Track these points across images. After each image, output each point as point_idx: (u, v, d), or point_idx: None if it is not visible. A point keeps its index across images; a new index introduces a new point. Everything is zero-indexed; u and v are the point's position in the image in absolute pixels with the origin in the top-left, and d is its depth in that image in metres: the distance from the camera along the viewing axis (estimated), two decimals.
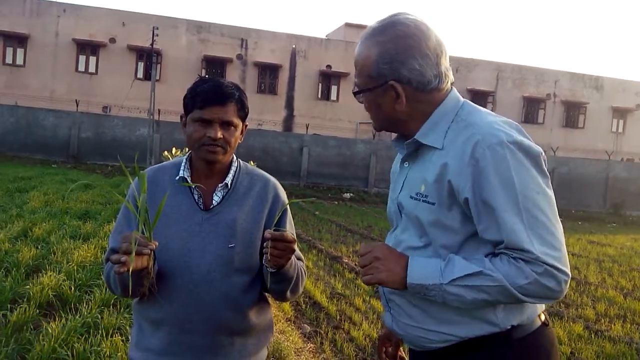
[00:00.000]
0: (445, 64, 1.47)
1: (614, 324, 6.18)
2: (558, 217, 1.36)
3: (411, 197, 1.48)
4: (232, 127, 1.71)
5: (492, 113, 1.48)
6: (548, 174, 1.39)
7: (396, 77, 1.43)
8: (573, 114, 33.41)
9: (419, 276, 1.37)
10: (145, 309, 1.73)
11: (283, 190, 1.87)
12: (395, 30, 1.43)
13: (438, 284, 1.35)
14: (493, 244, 1.36)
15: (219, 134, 1.67)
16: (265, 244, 1.57)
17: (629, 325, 6.20)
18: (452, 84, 1.51)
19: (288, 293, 1.76)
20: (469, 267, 1.33)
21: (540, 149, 1.39)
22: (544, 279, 1.28)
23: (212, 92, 1.68)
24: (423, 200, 1.44)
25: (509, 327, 1.42)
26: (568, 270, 1.31)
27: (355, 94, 1.55)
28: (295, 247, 1.60)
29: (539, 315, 1.49)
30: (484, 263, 1.33)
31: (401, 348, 1.85)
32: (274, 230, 1.57)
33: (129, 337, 3.78)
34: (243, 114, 1.74)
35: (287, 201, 1.82)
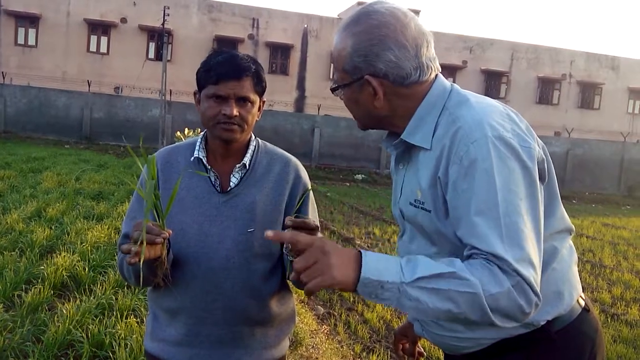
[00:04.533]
0: (428, 54, 1.31)
1: (631, 308, 6.12)
2: (541, 228, 1.21)
3: (410, 204, 1.35)
4: (249, 103, 1.60)
5: (484, 100, 1.33)
6: (537, 173, 1.23)
7: (371, 71, 1.30)
8: (588, 94, 32.91)
9: (375, 271, 1.13)
10: (160, 298, 1.66)
11: (305, 171, 1.76)
12: (370, 20, 1.29)
13: (397, 282, 1.12)
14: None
15: (235, 111, 1.57)
16: (285, 231, 1.47)
17: None
18: (437, 74, 1.36)
19: None
20: (438, 267, 1.14)
21: (530, 144, 1.24)
22: (516, 293, 1.12)
23: (226, 66, 1.57)
24: (421, 208, 1.31)
25: (544, 323, 1.32)
26: (539, 293, 1.15)
27: (332, 90, 1.41)
28: (319, 234, 1.51)
29: (578, 301, 1.38)
30: (454, 264, 1.15)
31: (419, 343, 1.78)
32: (295, 216, 1.47)
33: (144, 319, 3.80)
34: (260, 88, 1.64)
35: (309, 183, 1.73)
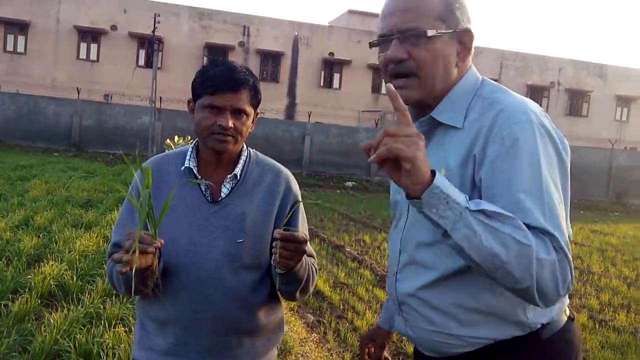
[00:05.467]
0: None
1: (618, 314, 6.15)
2: (568, 218, 1.23)
3: None
4: (244, 116, 1.61)
5: (517, 94, 1.33)
6: (569, 168, 1.25)
7: (467, 24, 1.26)
8: (577, 102, 33.23)
9: (446, 186, 1.09)
10: (149, 307, 1.66)
11: (295, 182, 1.77)
12: None
13: (462, 205, 1.09)
14: None
15: (230, 123, 1.57)
16: (274, 243, 1.48)
17: (633, 315, 6.17)
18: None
19: (297, 294, 1.67)
20: (502, 210, 1.12)
21: (564, 139, 1.27)
22: (559, 268, 1.12)
23: (224, 77, 1.56)
24: None
25: (539, 327, 1.30)
26: (573, 276, 1.17)
27: (414, 37, 1.25)
28: (307, 247, 1.51)
29: (564, 310, 1.37)
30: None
31: (385, 351, 1.75)
32: (284, 229, 1.46)
33: (132, 329, 3.78)
34: (256, 101, 1.64)
35: (299, 194, 1.73)
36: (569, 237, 1.39)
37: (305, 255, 1.56)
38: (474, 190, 1.24)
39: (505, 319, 1.28)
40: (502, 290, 1.23)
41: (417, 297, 1.36)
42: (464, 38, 1.28)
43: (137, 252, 1.30)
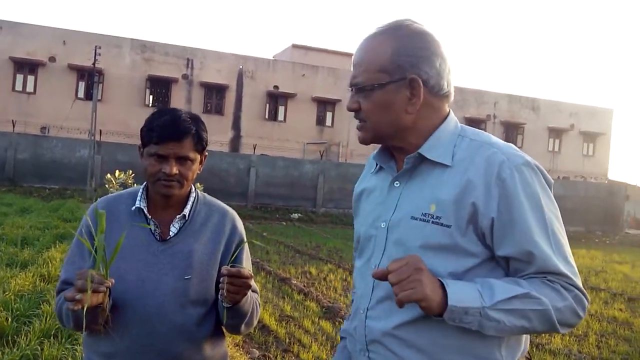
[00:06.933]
0: None
1: (554, 337, 6.39)
2: None
3: (413, 218, 1.31)
4: (189, 162, 1.69)
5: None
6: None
7: (416, 72, 1.30)
8: (512, 134, 34.76)
9: (460, 298, 1.20)
10: (96, 342, 1.69)
11: (241, 222, 1.86)
12: (413, 27, 1.33)
13: (479, 307, 1.20)
14: (510, 268, 1.29)
15: (175, 170, 1.65)
16: (221, 279, 1.57)
17: (567, 338, 6.43)
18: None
19: (242, 327, 1.76)
20: (513, 289, 1.22)
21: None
22: (576, 304, 1.25)
23: (168, 128, 1.65)
24: (433, 222, 1.28)
25: None
26: (586, 293, 1.28)
27: (358, 90, 1.35)
28: (252, 283, 1.60)
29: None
30: (520, 283, 1.24)
31: None
32: (231, 266, 1.56)
33: None
34: (201, 147, 1.72)
35: (244, 233, 1.83)
36: None
37: (250, 291, 1.64)
38: (470, 225, 1.27)
39: (480, 357, 1.29)
40: None
41: (393, 336, 1.32)
42: (412, 85, 1.32)
43: (89, 291, 1.36)
